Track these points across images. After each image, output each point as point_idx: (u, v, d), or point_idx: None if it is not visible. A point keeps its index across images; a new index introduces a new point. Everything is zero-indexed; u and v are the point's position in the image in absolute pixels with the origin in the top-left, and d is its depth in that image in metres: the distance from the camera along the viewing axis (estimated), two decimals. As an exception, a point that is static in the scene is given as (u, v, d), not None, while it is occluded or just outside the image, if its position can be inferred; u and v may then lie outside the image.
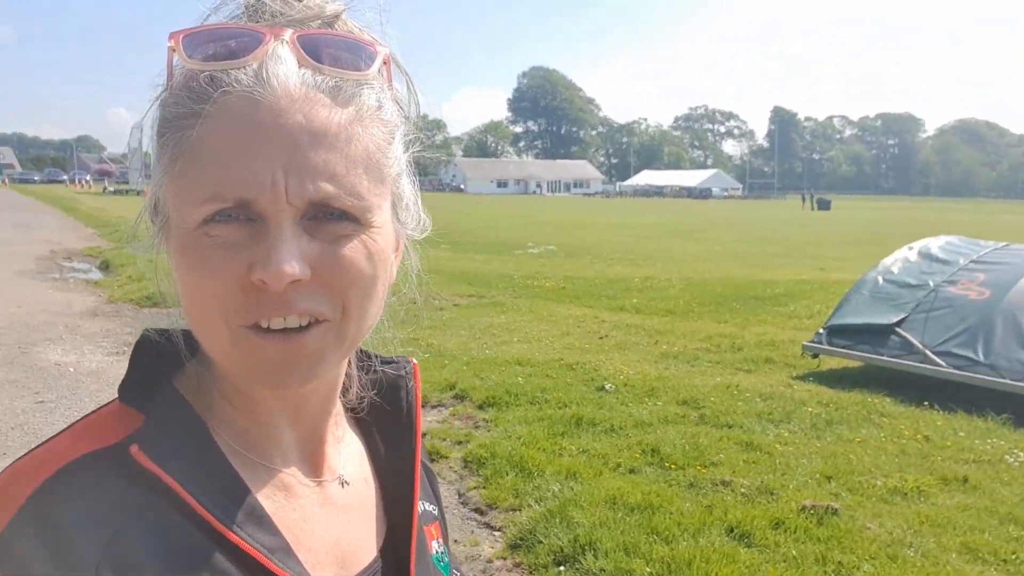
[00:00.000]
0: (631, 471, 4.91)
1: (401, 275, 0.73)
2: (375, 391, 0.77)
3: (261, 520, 0.60)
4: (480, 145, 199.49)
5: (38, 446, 0.60)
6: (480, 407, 6.24)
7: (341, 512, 0.69)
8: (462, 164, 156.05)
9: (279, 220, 0.55)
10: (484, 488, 4.74)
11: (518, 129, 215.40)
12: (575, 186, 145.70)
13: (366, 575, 0.68)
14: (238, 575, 0.57)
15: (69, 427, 0.61)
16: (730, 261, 18.17)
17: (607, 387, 6.79)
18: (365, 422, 0.78)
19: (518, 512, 4.37)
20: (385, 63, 0.63)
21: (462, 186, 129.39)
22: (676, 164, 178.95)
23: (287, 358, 0.57)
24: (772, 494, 4.46)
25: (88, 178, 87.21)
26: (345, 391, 0.74)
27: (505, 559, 3.97)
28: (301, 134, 0.55)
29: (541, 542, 3.97)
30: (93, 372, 7.39)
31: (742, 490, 4.55)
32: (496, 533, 4.27)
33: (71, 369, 7.46)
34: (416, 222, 0.71)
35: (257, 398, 0.64)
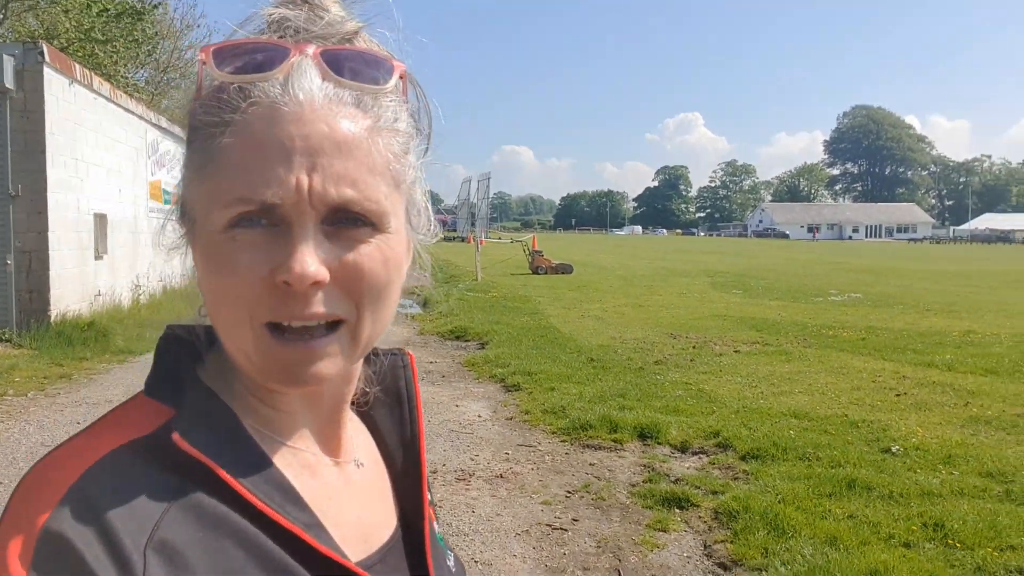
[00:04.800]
0: (905, 545, 4.35)
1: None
2: (377, 382, 0.81)
3: (295, 499, 0.63)
4: (791, 189, 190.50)
5: (68, 440, 0.62)
6: (743, 458, 5.94)
7: (360, 491, 0.72)
8: (770, 208, 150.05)
9: (302, 223, 0.59)
10: (732, 543, 4.50)
11: (835, 171, 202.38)
12: (898, 231, 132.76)
13: (385, 549, 0.71)
14: (281, 553, 0.59)
15: (97, 422, 0.64)
16: (1085, 316, 15.29)
17: (894, 449, 6.09)
18: (368, 412, 0.81)
19: (763, 572, 4.09)
20: (401, 78, 0.66)
21: (788, 232, 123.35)
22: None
23: (304, 360, 0.61)
24: (1083, 593, 3.69)
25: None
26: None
27: (742, 619, 3.74)
28: (324, 142, 0.59)
29: (783, 607, 3.68)
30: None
31: (1044, 583, 3.82)
32: (737, 591, 4.03)
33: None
34: (427, 228, 0.74)
35: (275, 388, 0.68)
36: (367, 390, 0.79)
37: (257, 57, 0.61)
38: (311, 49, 0.62)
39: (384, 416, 0.81)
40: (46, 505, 0.54)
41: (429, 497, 0.82)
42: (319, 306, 0.60)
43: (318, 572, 0.61)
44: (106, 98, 13.18)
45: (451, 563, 0.81)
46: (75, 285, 11.72)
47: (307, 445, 0.69)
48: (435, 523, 0.83)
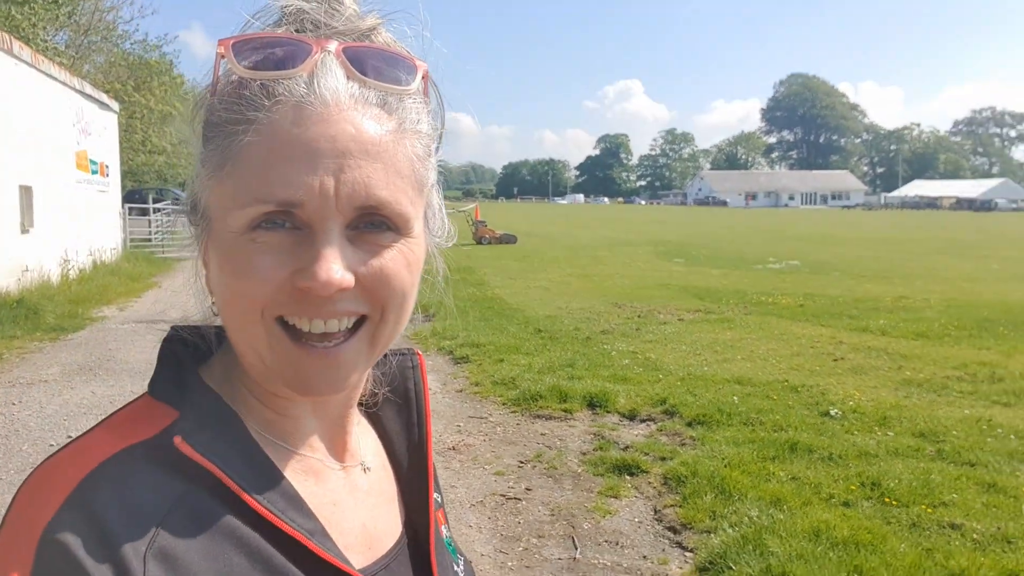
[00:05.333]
0: (844, 504, 4.52)
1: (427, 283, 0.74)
2: (386, 383, 0.79)
3: (299, 505, 0.62)
4: (729, 157, 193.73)
5: (71, 442, 0.60)
6: (689, 424, 6.08)
7: (366, 497, 0.71)
8: (709, 177, 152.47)
9: (326, 227, 0.57)
10: (681, 507, 4.61)
11: (772, 139, 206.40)
12: (832, 198, 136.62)
13: (390, 556, 0.70)
14: (283, 560, 0.58)
15: (101, 423, 0.63)
16: (1008, 281, 16.03)
17: (832, 413, 6.31)
18: (376, 413, 0.80)
19: (712, 535, 4.21)
20: (424, 78, 0.64)
21: (727, 200, 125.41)
22: (954, 173, 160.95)
23: (322, 368, 0.60)
24: (1010, 543, 3.90)
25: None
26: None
27: (692, 581, 3.85)
28: (351, 144, 0.57)
29: (732, 568, 3.79)
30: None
31: (974, 535, 4.02)
32: (687, 554, 4.14)
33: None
34: (443, 229, 0.72)
35: (281, 393, 0.65)
36: (375, 391, 0.78)
37: (277, 52, 0.59)
38: (332, 46, 0.60)
39: (392, 417, 0.79)
40: (46, 511, 0.53)
41: (438, 499, 0.81)
42: (340, 306, 0.59)
43: None
44: (27, 63, 12.56)
45: (460, 568, 0.79)
46: (1, 260, 11.24)
47: (313, 450, 0.68)
48: (444, 527, 0.81)
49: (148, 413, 0.61)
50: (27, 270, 12.18)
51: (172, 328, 0.67)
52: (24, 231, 12.19)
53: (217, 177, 0.59)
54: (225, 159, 0.58)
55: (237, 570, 0.56)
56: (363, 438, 0.75)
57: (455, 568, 0.78)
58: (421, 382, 0.81)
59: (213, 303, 0.64)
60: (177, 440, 0.57)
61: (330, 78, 0.58)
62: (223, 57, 0.59)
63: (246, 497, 0.58)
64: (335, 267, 0.56)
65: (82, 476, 0.55)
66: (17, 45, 12.32)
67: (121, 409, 0.64)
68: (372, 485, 0.73)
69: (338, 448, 0.70)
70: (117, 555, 0.52)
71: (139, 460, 0.57)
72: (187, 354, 0.66)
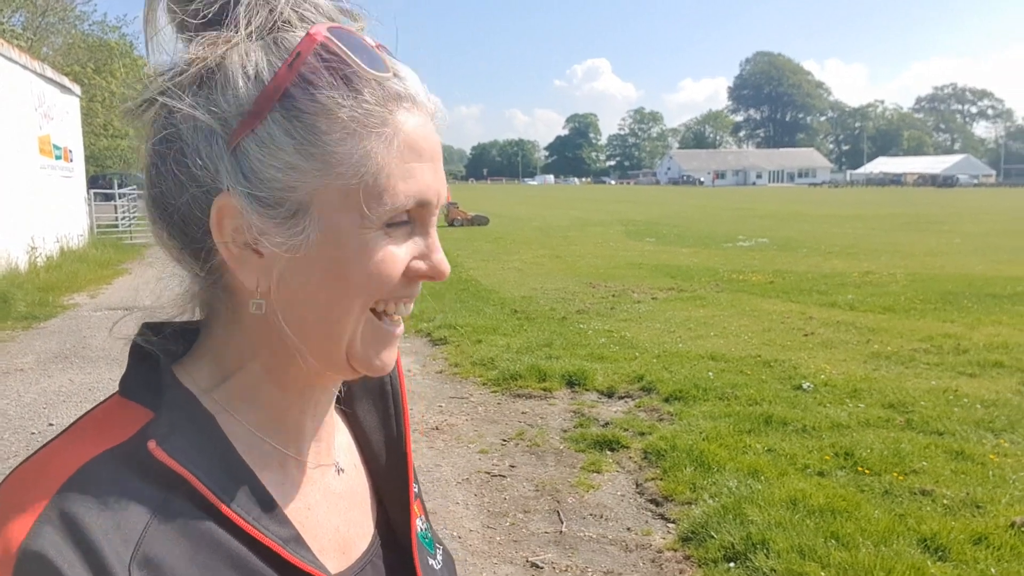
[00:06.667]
0: (819, 474, 4.68)
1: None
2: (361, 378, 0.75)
3: (274, 511, 0.61)
4: (698, 136, 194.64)
5: (41, 448, 0.59)
6: (666, 400, 6.20)
7: (339, 500, 0.70)
8: (677, 156, 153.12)
9: (434, 224, 0.62)
10: (661, 480, 4.74)
11: (739, 118, 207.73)
12: (799, 176, 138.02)
13: (364, 560, 0.70)
14: (262, 565, 0.58)
15: (71, 427, 0.60)
16: (969, 255, 16.41)
17: (805, 386, 6.47)
18: (348, 409, 0.78)
19: (693, 506, 4.34)
20: None
21: (701, 179, 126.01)
22: (917, 150, 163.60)
23: (393, 346, 0.64)
24: (978, 508, 4.07)
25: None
26: None
27: (676, 551, 3.96)
28: (439, 148, 0.62)
29: (713, 537, 3.92)
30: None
31: (944, 501, 4.19)
32: (670, 525, 4.26)
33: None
34: None
35: (288, 390, 0.64)
36: (350, 386, 0.77)
37: (371, 52, 0.59)
38: (371, 40, 0.61)
39: (367, 412, 0.78)
40: (23, 525, 0.51)
41: (416, 490, 0.80)
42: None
43: None
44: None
45: (437, 560, 0.79)
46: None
47: (296, 451, 0.67)
48: (420, 518, 0.80)
49: (121, 414, 0.59)
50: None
51: (144, 324, 0.64)
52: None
53: (337, 174, 0.57)
54: (344, 157, 0.57)
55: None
56: (337, 436, 0.74)
57: (431, 562, 0.78)
58: (397, 374, 0.78)
59: (259, 302, 0.60)
60: (151, 446, 0.55)
61: (411, 79, 0.61)
62: (334, 54, 0.57)
63: (219, 504, 0.57)
64: (445, 258, 0.63)
65: (58, 485, 0.53)
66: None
67: (93, 411, 0.62)
68: (345, 487, 0.72)
69: (317, 448, 0.69)
70: (101, 566, 0.50)
71: (116, 466, 0.55)
72: (160, 352, 0.62)
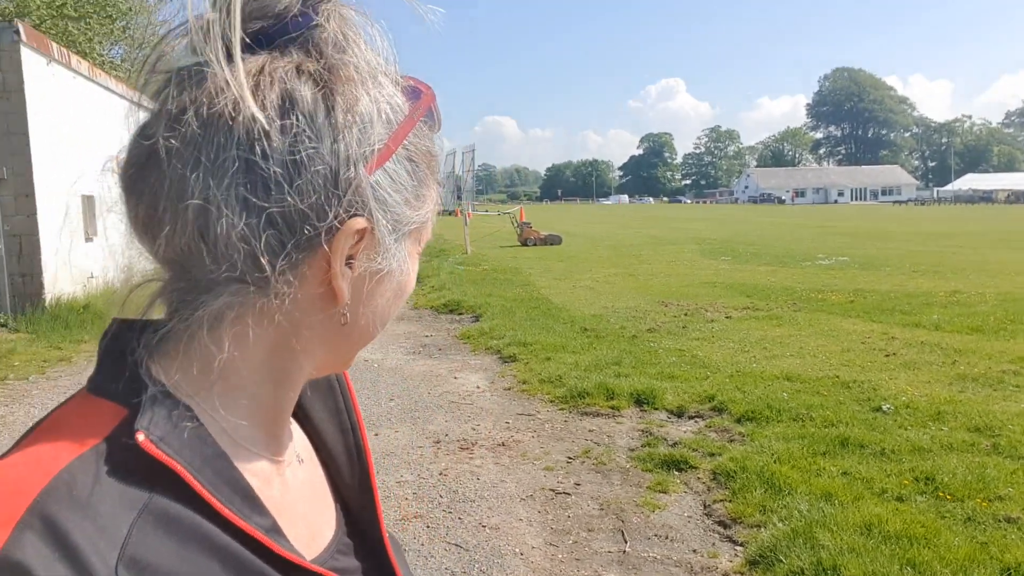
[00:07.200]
0: (897, 498, 4.50)
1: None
2: None
3: (254, 502, 0.61)
4: (776, 154, 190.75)
5: (10, 451, 0.57)
6: (738, 420, 6.07)
7: (303, 488, 0.72)
8: (756, 174, 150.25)
9: None
10: (730, 502, 4.63)
11: (819, 135, 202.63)
12: (883, 193, 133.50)
13: (334, 547, 0.72)
14: (250, 556, 0.58)
15: (39, 429, 0.59)
16: (1068, 274, 15.54)
17: (884, 408, 6.24)
18: (299, 403, 0.78)
19: (762, 529, 4.23)
20: None
21: (782, 198, 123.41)
22: (1009, 166, 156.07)
23: None
24: (1069, 538, 3.84)
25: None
26: None
27: (742, 574, 3.87)
28: None
29: (782, 561, 3.81)
30: (392, 368, 8.36)
31: (1031, 530, 3.97)
32: (737, 548, 4.16)
33: (375, 365, 8.50)
34: None
35: (280, 388, 0.66)
36: None
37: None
38: None
39: (316, 405, 0.80)
40: (1, 532, 0.49)
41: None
42: None
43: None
44: (85, 77, 13.04)
45: (397, 543, 0.81)
46: (67, 268, 11.69)
47: (269, 445, 0.68)
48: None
49: (95, 412, 0.59)
50: (92, 277, 12.64)
51: (115, 320, 0.64)
52: (88, 239, 12.66)
53: (419, 204, 0.66)
54: (420, 185, 0.66)
55: (209, 572, 0.56)
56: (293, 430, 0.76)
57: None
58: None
59: (345, 313, 0.64)
60: (141, 440, 0.55)
61: None
62: (431, 103, 0.67)
63: (208, 497, 0.57)
64: None
65: (38, 490, 0.51)
66: (75, 59, 12.80)
67: (63, 409, 0.61)
68: (306, 477, 0.74)
69: (284, 441, 0.70)
70: (85, 570, 0.49)
71: (97, 466, 0.54)
72: (134, 348, 0.61)
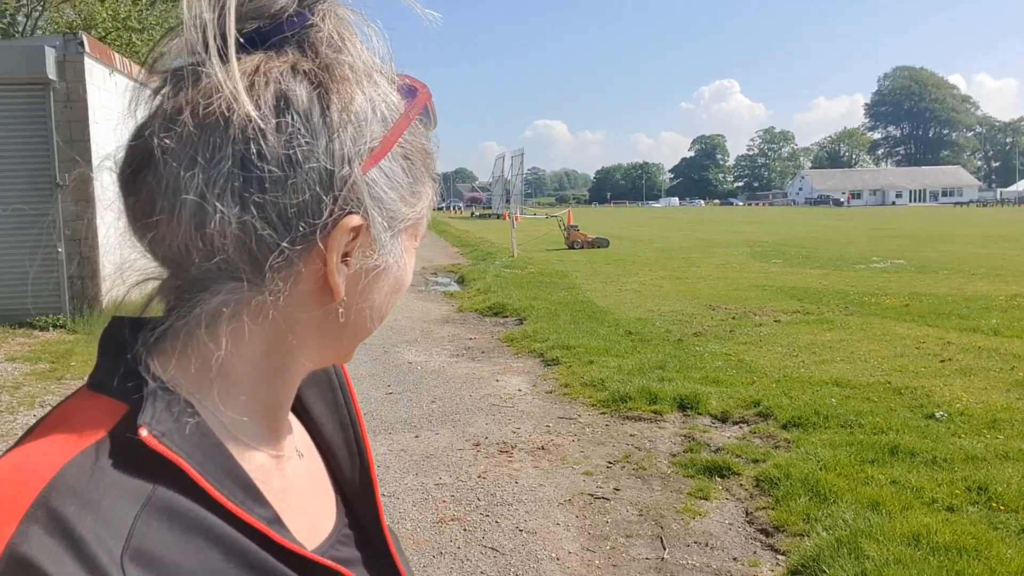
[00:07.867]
0: (948, 508, 4.35)
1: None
2: None
3: (256, 494, 0.62)
4: (832, 155, 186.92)
5: (13, 448, 0.58)
6: (784, 427, 5.95)
7: (303, 482, 0.73)
8: (811, 175, 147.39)
9: None
10: (773, 509, 4.54)
11: (877, 135, 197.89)
12: (944, 195, 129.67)
13: (331, 540, 0.72)
14: (253, 547, 0.59)
15: (41, 426, 0.60)
16: None
17: (938, 415, 6.05)
18: (298, 398, 0.79)
19: (805, 538, 4.13)
20: None
21: (840, 199, 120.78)
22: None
23: None
24: None
25: (460, 205, 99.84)
26: None
27: (784, 583, 3.79)
28: None
29: (825, 571, 3.72)
30: (435, 371, 8.41)
31: (1091, 545, 3.80)
32: (779, 556, 4.07)
33: (419, 368, 8.56)
34: None
35: (280, 382, 0.66)
36: None
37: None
38: None
39: (316, 400, 0.81)
40: (7, 528, 0.50)
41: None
42: None
43: (294, 567, 0.61)
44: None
45: (396, 537, 0.82)
46: (126, 272, 12.02)
47: (270, 439, 0.69)
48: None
49: (97, 408, 0.59)
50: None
51: (114, 317, 0.65)
52: (143, 243, 13.02)
53: (415, 200, 0.67)
54: (416, 183, 0.66)
55: (214, 564, 0.57)
56: (293, 425, 0.77)
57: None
58: (341, 364, 0.81)
59: (342, 309, 0.64)
60: (144, 434, 0.55)
61: None
62: (429, 102, 0.68)
63: (211, 489, 0.57)
64: None
65: (43, 485, 0.52)
66: (136, 69, 13.19)
67: (61, 407, 0.62)
68: (306, 470, 0.74)
69: (283, 435, 0.71)
70: (92, 564, 0.50)
71: (101, 461, 0.55)
72: (133, 345, 0.62)
